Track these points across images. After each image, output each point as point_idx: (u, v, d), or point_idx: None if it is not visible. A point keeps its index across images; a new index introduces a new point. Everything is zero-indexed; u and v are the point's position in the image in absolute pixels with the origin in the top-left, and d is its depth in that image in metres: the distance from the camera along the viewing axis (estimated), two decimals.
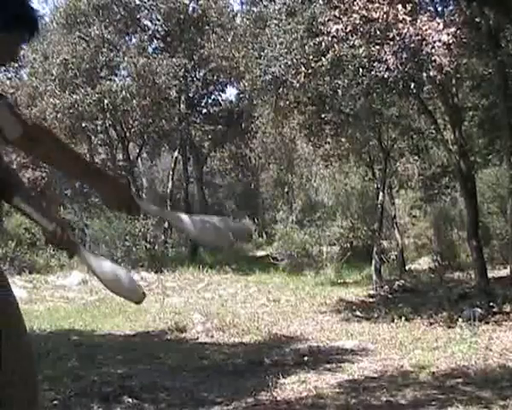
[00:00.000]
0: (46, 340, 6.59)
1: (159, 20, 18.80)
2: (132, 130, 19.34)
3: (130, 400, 4.31)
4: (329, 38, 7.37)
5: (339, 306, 9.94)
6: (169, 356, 6.06)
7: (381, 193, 13.43)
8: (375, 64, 7.27)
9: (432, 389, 4.52)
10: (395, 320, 7.76)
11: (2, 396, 1.94)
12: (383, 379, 4.96)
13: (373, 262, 12.97)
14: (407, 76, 7.55)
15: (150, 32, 18.87)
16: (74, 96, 15.98)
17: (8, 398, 1.96)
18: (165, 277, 13.94)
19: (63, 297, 11.23)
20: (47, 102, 16.13)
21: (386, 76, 7.20)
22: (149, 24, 18.92)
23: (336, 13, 7.21)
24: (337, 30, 7.12)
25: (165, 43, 18.95)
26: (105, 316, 9.06)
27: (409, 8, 6.99)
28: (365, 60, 7.63)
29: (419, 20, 6.95)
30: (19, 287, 10.71)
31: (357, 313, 9.07)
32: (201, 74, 19.76)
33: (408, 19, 6.87)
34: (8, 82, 18.07)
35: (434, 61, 6.83)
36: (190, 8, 18.43)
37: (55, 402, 4.22)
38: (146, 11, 18.64)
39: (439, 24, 6.92)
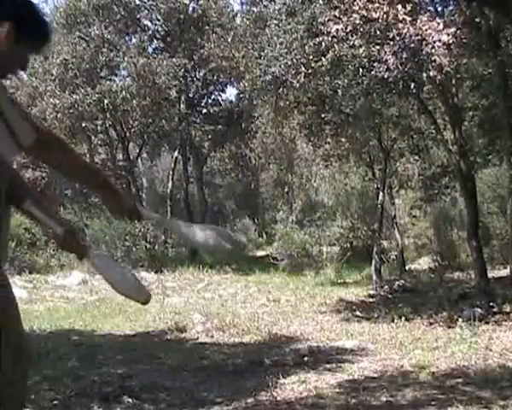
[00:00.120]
0: (46, 340, 6.59)
1: (159, 20, 18.81)
2: (132, 130, 19.34)
3: (130, 400, 4.31)
4: (329, 38, 7.37)
5: (339, 306, 9.94)
6: (169, 356, 6.06)
7: (381, 193, 13.43)
8: (375, 64, 7.27)
9: (432, 389, 4.52)
10: (395, 320, 7.76)
11: (2, 396, 1.94)
12: (383, 379, 4.96)
13: (373, 262, 12.97)
14: (407, 76, 7.56)
15: (150, 32, 18.87)
16: (74, 96, 15.99)
17: (7, 398, 1.96)
18: (165, 277, 13.95)
19: (63, 297, 11.23)
20: (47, 102, 16.14)
21: (386, 76, 7.19)
22: (149, 24, 18.95)
23: (336, 13, 7.21)
24: (337, 30, 7.12)
25: (165, 43, 18.95)
26: (105, 316, 9.06)
27: (409, 8, 6.98)
28: (365, 60, 7.63)
29: (419, 20, 6.95)
30: (19, 287, 10.71)
31: (357, 313, 9.07)
32: (201, 74, 19.77)
33: (408, 19, 6.87)
34: (8, 82, 18.04)
35: (434, 61, 6.83)
36: (190, 8, 18.44)
37: (55, 402, 4.22)
38: (146, 11, 18.65)
39: (439, 24, 6.92)
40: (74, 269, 14.14)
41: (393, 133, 12.89)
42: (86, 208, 18.02)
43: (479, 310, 7.75)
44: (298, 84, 8.44)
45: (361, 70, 7.84)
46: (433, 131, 11.22)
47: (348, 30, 7.12)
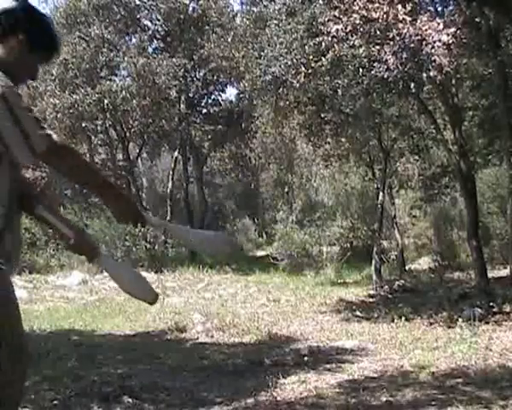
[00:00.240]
0: (46, 340, 6.59)
1: (159, 20, 18.81)
2: (132, 130, 19.34)
3: (130, 400, 4.31)
4: (329, 38, 7.36)
5: (339, 306, 9.94)
6: (169, 356, 6.06)
7: (381, 193, 13.42)
8: (375, 64, 7.27)
9: (432, 389, 4.52)
10: (395, 320, 7.76)
11: (2, 396, 1.95)
12: (383, 379, 4.96)
13: (373, 262, 12.97)
14: (407, 76, 7.55)
15: (150, 32, 18.87)
16: (74, 96, 15.98)
17: (7, 398, 1.97)
18: (165, 277, 13.95)
19: (63, 297, 11.23)
20: (47, 102, 16.13)
21: (386, 76, 7.19)
22: (149, 24, 18.95)
23: (336, 13, 7.21)
24: (337, 30, 7.12)
25: (165, 43, 18.95)
26: (105, 316, 9.06)
27: (409, 8, 6.98)
28: (365, 60, 7.63)
29: (419, 20, 6.94)
30: (19, 287, 10.71)
31: (357, 313, 9.07)
32: (201, 74, 19.77)
33: (408, 19, 6.86)
34: None
35: (434, 61, 6.82)
36: (190, 8, 18.44)
37: (55, 402, 4.22)
38: (146, 11, 18.65)
39: (439, 24, 6.92)
40: (74, 269, 14.15)
41: (393, 133, 12.89)
42: (86, 208, 18.02)
43: (479, 310, 7.75)
44: (298, 84, 8.43)
45: (361, 70, 7.84)
46: (433, 131, 11.22)
47: (348, 30, 7.11)
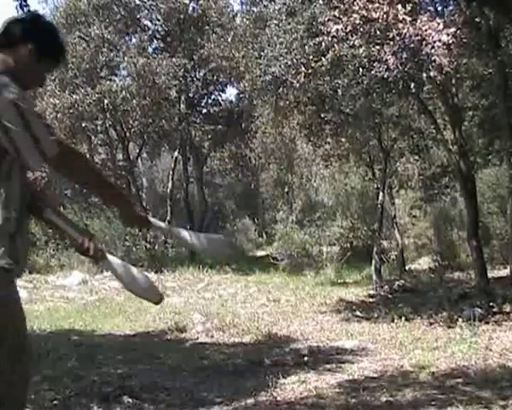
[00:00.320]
0: (46, 340, 6.59)
1: (159, 20, 18.80)
2: (132, 130, 19.33)
3: (130, 400, 4.31)
4: (329, 38, 7.37)
5: (339, 306, 9.94)
6: (169, 356, 6.06)
7: (381, 193, 13.42)
8: (375, 64, 7.27)
9: (432, 389, 4.52)
10: (395, 320, 7.76)
11: (2, 396, 1.95)
12: (383, 379, 4.96)
13: (373, 262, 12.97)
14: (407, 76, 7.55)
15: (150, 32, 18.86)
16: (74, 96, 15.98)
17: (7, 398, 1.98)
18: (165, 277, 13.95)
19: (63, 297, 11.23)
20: (47, 102, 16.12)
21: (386, 76, 7.19)
22: (149, 24, 18.93)
23: (336, 13, 7.21)
24: (337, 30, 7.12)
25: (165, 43, 18.94)
26: (105, 316, 9.06)
27: (409, 8, 6.98)
28: (365, 60, 7.63)
29: (419, 20, 6.95)
30: (19, 287, 10.64)
31: (357, 313, 9.07)
32: (201, 74, 19.76)
33: (408, 19, 6.86)
34: None
35: (434, 61, 6.82)
36: (190, 8, 18.43)
37: (55, 402, 4.22)
38: (146, 11, 18.64)
39: (439, 24, 6.92)
40: (74, 269, 14.15)
41: (393, 133, 12.88)
42: (86, 208, 18.01)
43: (479, 310, 7.75)
44: (298, 84, 8.44)
45: (361, 70, 7.83)
46: (433, 131, 11.22)
47: (348, 30, 7.12)
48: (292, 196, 22.21)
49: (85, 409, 4.15)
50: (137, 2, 18.09)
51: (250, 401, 4.35)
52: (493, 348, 6.00)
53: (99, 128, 18.78)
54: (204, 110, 20.73)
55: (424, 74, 7.31)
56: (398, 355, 5.97)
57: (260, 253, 20.29)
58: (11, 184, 1.96)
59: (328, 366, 5.53)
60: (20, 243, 2.01)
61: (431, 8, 8.76)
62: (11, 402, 1.99)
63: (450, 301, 9.03)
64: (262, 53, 8.76)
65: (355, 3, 7.01)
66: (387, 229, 16.65)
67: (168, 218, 18.28)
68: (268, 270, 15.32)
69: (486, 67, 9.89)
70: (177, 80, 17.12)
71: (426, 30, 6.82)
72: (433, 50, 6.78)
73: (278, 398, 4.43)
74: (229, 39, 15.11)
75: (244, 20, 11.24)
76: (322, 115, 10.72)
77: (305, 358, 5.92)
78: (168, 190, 20.15)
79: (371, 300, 10.81)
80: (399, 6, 6.91)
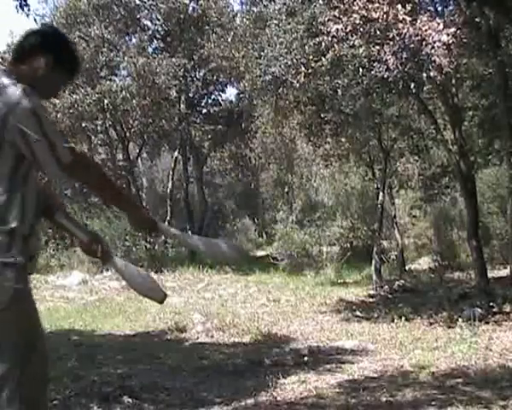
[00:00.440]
0: (46, 340, 6.58)
1: (159, 20, 18.80)
2: (132, 130, 19.33)
3: (130, 400, 4.31)
4: (329, 38, 7.37)
5: (339, 306, 9.94)
6: (169, 356, 6.06)
7: (381, 193, 13.42)
8: (375, 64, 7.27)
9: (432, 389, 4.52)
10: (395, 320, 7.76)
11: (13, 394, 2.00)
12: (383, 379, 4.96)
13: (373, 262, 12.97)
14: (407, 76, 7.55)
15: (150, 32, 18.87)
16: (74, 96, 15.98)
17: (15, 397, 2.01)
18: (165, 277, 13.94)
19: (63, 297, 11.23)
20: (47, 102, 16.12)
21: (386, 76, 7.19)
22: (149, 24, 18.93)
23: (336, 13, 7.21)
24: (337, 30, 7.12)
25: (165, 43, 18.94)
26: (105, 316, 9.06)
27: (409, 8, 6.98)
28: (365, 60, 7.63)
29: (419, 21, 6.95)
30: None
31: (357, 313, 9.07)
32: (201, 74, 19.76)
33: (408, 19, 6.86)
34: None
35: (434, 61, 6.82)
36: (190, 8, 18.43)
37: (55, 402, 4.22)
38: (146, 11, 18.64)
39: (439, 24, 6.92)
40: (74, 269, 14.14)
41: (393, 133, 12.88)
42: (86, 208, 18.00)
43: (479, 310, 7.76)
44: (298, 84, 8.44)
45: (361, 70, 7.83)
46: (433, 131, 11.21)
47: (348, 30, 7.12)
48: (292, 196, 22.20)
49: (85, 409, 4.14)
50: (137, 2, 18.09)
51: (250, 401, 4.35)
52: (493, 348, 6.00)
53: (99, 128, 18.77)
54: (204, 110, 20.72)
55: (424, 74, 7.31)
56: (398, 355, 5.97)
57: (260, 253, 20.27)
58: (27, 188, 2.05)
59: (328, 366, 5.53)
60: (33, 243, 2.10)
61: (431, 8, 8.77)
62: (21, 403, 2.01)
63: (450, 301, 9.03)
64: (262, 53, 8.76)
65: (355, 3, 7.01)
66: (387, 229, 16.65)
67: (168, 218, 18.29)
68: (268, 270, 15.32)
69: (486, 67, 9.89)
70: (177, 80, 17.12)
71: (426, 30, 6.83)
72: (433, 50, 6.78)
73: (278, 398, 4.42)
74: (229, 39, 15.10)
75: (244, 20, 11.24)
76: (322, 115, 10.72)
77: (305, 358, 5.92)
78: (168, 190, 20.15)
79: (371, 300, 10.81)
80: (399, 6, 6.91)
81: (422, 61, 7.02)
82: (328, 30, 7.24)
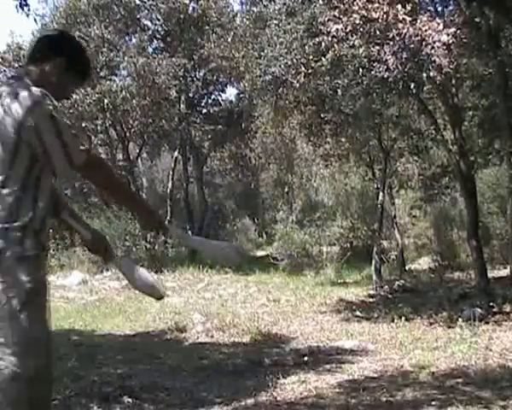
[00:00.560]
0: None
1: (159, 20, 18.79)
2: (132, 130, 19.32)
3: (130, 400, 4.31)
4: (329, 38, 7.37)
5: (339, 306, 9.94)
6: (169, 356, 6.06)
7: (381, 193, 13.42)
8: (375, 64, 7.27)
9: (432, 389, 4.52)
10: (395, 320, 7.76)
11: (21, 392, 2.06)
12: (383, 379, 4.96)
13: (373, 262, 12.97)
14: (407, 76, 7.55)
15: (150, 32, 18.86)
16: (74, 96, 15.96)
17: (21, 395, 2.08)
18: (165, 277, 13.94)
19: (63, 297, 11.22)
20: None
21: (386, 76, 7.19)
22: (149, 24, 18.92)
23: (336, 13, 7.21)
24: (337, 30, 7.12)
25: (165, 43, 18.94)
26: (105, 316, 9.06)
27: (409, 8, 6.98)
28: (365, 60, 7.63)
29: (419, 21, 6.95)
30: None
31: (357, 313, 9.07)
32: (201, 74, 19.75)
33: (408, 19, 6.86)
34: None
35: (434, 61, 6.82)
36: (190, 8, 18.42)
37: (55, 402, 4.21)
38: (146, 11, 18.62)
39: (438, 24, 6.92)
40: (74, 269, 14.14)
41: (393, 133, 12.88)
42: (86, 208, 18.01)
43: (479, 310, 7.76)
44: (298, 84, 8.44)
45: (361, 70, 7.83)
46: (433, 132, 11.21)
47: (348, 30, 7.11)
48: (292, 196, 22.21)
49: (85, 409, 4.14)
50: (137, 2, 18.07)
51: (250, 401, 4.35)
52: (493, 348, 6.00)
53: (99, 128, 18.75)
54: (204, 110, 20.72)
55: (424, 74, 7.31)
56: (398, 355, 5.98)
57: (260, 253, 20.27)
58: (40, 188, 2.14)
59: (328, 366, 5.53)
60: (44, 237, 2.20)
61: (431, 8, 8.76)
62: (28, 401, 2.06)
63: (450, 301, 9.03)
64: (262, 53, 8.76)
65: (355, 3, 7.01)
66: (387, 229, 16.65)
67: (168, 218, 18.28)
68: (268, 270, 15.32)
69: (486, 67, 9.88)
70: (177, 80, 17.12)
71: (426, 30, 6.82)
72: (432, 50, 6.78)
73: (278, 398, 4.42)
74: (229, 39, 15.10)
75: (244, 20, 11.23)
76: (322, 115, 10.72)
77: (305, 358, 5.92)
78: (168, 190, 20.15)
79: (371, 300, 10.81)
80: (399, 6, 6.91)
81: (422, 61, 7.02)
82: (328, 30, 7.24)
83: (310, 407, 4.18)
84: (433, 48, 6.76)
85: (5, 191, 2.08)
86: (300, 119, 11.35)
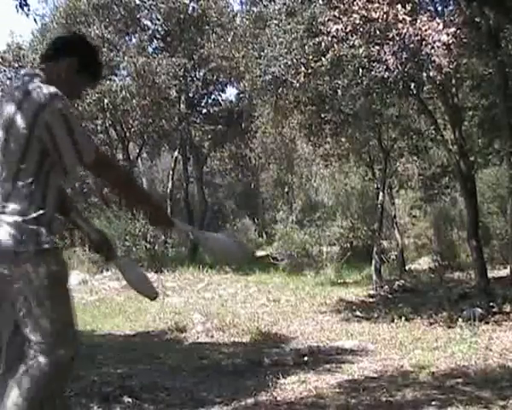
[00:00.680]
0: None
1: (159, 20, 18.80)
2: (132, 130, 19.33)
3: (130, 400, 4.30)
4: (329, 38, 7.37)
5: (339, 306, 9.94)
6: (169, 356, 6.06)
7: (381, 193, 13.42)
8: (375, 64, 7.27)
9: (432, 389, 4.52)
10: (395, 320, 7.76)
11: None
12: (383, 379, 4.96)
13: (373, 262, 12.97)
14: (407, 76, 7.55)
15: (150, 32, 18.86)
16: None
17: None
18: (165, 277, 13.94)
19: None
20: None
21: (385, 76, 7.19)
22: (149, 24, 18.93)
23: (336, 13, 7.21)
24: (337, 30, 7.12)
25: (165, 42, 18.94)
26: (105, 316, 9.06)
27: (409, 8, 6.98)
28: (365, 60, 7.63)
29: (419, 21, 6.95)
30: None
31: (357, 313, 9.07)
32: (201, 74, 19.76)
33: (408, 19, 6.86)
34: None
35: (434, 61, 6.83)
36: (190, 8, 18.42)
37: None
38: (146, 11, 18.63)
39: (438, 24, 6.92)
40: (74, 269, 14.13)
41: (393, 133, 12.88)
42: (86, 208, 18.02)
43: (479, 310, 7.76)
44: (298, 84, 8.44)
45: (361, 70, 7.84)
46: (433, 132, 11.21)
47: (348, 30, 7.12)
48: (292, 196, 22.21)
49: (85, 409, 4.14)
50: (137, 1, 18.08)
51: (250, 401, 4.34)
52: (493, 348, 6.00)
53: (99, 128, 18.76)
54: (204, 110, 20.72)
55: (424, 74, 7.32)
56: (398, 355, 5.97)
57: (260, 253, 20.27)
58: (49, 183, 2.20)
59: (328, 366, 5.53)
60: (56, 227, 2.28)
61: (431, 8, 8.76)
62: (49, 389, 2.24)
63: (450, 301, 9.03)
64: (262, 53, 8.77)
65: (355, 3, 7.01)
66: (387, 229, 16.65)
67: None
68: (268, 270, 15.32)
69: (486, 67, 9.88)
70: (177, 80, 17.12)
71: (426, 30, 6.82)
72: (432, 50, 6.78)
73: (278, 398, 4.42)
74: (229, 39, 15.09)
75: (244, 20, 11.24)
76: (323, 115, 10.71)
77: (305, 358, 5.91)
78: (168, 190, 20.15)
79: (371, 300, 10.81)
80: (399, 6, 6.91)
81: (422, 61, 7.02)
82: (328, 30, 7.24)
83: (310, 407, 4.17)
84: (432, 48, 6.77)
85: (20, 184, 2.14)
86: (300, 119, 11.34)
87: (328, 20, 7.29)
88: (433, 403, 4.12)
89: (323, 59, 7.86)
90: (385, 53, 7.02)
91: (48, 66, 2.32)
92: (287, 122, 12.43)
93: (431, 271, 14.00)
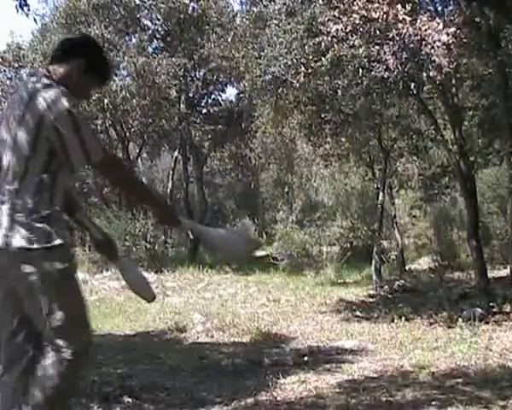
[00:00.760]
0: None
1: (159, 20, 18.79)
2: (132, 130, 19.33)
3: (130, 400, 4.30)
4: (329, 38, 7.37)
5: (339, 306, 9.94)
6: (169, 356, 6.06)
7: (381, 193, 13.42)
8: (375, 64, 7.27)
9: (432, 389, 4.52)
10: (395, 320, 7.76)
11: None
12: (383, 379, 4.96)
13: (373, 262, 12.97)
14: (407, 76, 7.55)
15: (150, 32, 18.86)
16: None
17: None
18: (165, 277, 13.93)
19: None
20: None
21: (385, 76, 7.19)
22: (149, 24, 18.93)
23: (336, 13, 7.21)
24: (337, 30, 7.12)
25: (165, 42, 18.94)
26: (105, 316, 9.06)
27: (408, 8, 6.99)
28: (365, 60, 7.63)
29: (419, 20, 6.95)
30: None
31: (357, 313, 9.07)
32: (201, 74, 19.76)
33: (408, 19, 6.86)
34: (8, 82, 18.08)
35: (434, 61, 6.83)
36: (190, 8, 18.42)
37: None
38: (146, 11, 18.63)
39: (438, 24, 6.92)
40: None
41: (393, 133, 12.88)
42: (86, 208, 18.00)
43: (479, 310, 7.76)
44: (298, 84, 8.44)
45: (361, 70, 7.83)
46: (433, 132, 11.21)
47: (348, 30, 7.12)
48: (292, 196, 22.21)
49: (85, 409, 4.14)
50: (137, 1, 18.08)
51: (250, 400, 4.34)
52: (493, 348, 6.00)
53: (99, 128, 18.74)
54: (204, 110, 20.72)
55: (424, 74, 7.32)
56: (398, 355, 5.97)
57: (260, 253, 20.27)
58: (56, 183, 2.24)
59: (328, 366, 5.53)
60: (64, 228, 2.32)
61: (431, 8, 8.76)
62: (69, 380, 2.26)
63: (450, 301, 9.03)
64: (262, 53, 8.76)
65: (355, 3, 7.01)
66: (387, 229, 16.66)
67: None
68: (268, 270, 15.32)
69: (486, 67, 9.88)
70: (177, 80, 17.12)
71: (426, 30, 6.83)
72: (432, 50, 6.78)
73: (278, 398, 4.42)
74: (229, 39, 15.09)
75: (244, 20, 11.24)
76: (323, 115, 10.72)
77: (305, 358, 5.91)
78: (168, 190, 20.16)
79: (371, 300, 10.81)
80: (399, 6, 6.91)
81: (422, 61, 7.02)
82: (328, 30, 7.24)
83: (310, 407, 4.17)
84: (432, 48, 6.77)
85: (28, 183, 2.18)
86: (300, 119, 11.35)
87: (328, 20, 7.29)
88: (433, 403, 4.12)
89: (323, 59, 7.86)
90: (385, 53, 7.02)
91: (56, 66, 2.35)
92: (287, 122, 12.43)
93: (431, 271, 14.00)
